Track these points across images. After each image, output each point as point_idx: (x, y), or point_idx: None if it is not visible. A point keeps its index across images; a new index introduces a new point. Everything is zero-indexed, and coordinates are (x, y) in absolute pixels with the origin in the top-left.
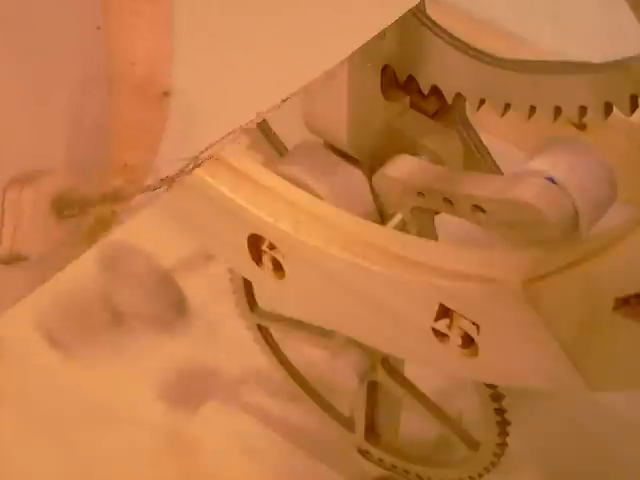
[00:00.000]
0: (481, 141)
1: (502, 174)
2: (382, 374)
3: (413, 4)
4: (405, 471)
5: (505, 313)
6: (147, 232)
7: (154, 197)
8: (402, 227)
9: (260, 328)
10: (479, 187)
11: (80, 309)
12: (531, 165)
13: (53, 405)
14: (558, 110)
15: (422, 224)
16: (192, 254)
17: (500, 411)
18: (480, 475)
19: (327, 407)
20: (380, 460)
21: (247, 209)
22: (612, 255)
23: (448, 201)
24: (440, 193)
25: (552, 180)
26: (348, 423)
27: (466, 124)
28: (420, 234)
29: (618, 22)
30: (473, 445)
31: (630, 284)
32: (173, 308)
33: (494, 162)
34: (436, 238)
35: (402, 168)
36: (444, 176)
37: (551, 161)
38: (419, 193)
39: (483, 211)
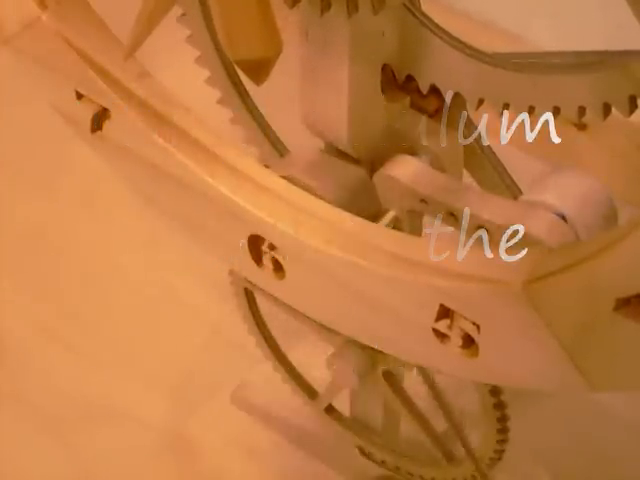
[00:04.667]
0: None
1: (505, 170)
2: (381, 382)
3: None
4: (408, 473)
5: (505, 313)
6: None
7: None
8: (395, 224)
9: (247, 293)
10: (487, 209)
11: (80, 307)
12: (542, 196)
13: (53, 405)
14: (557, 110)
15: (414, 224)
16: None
17: (500, 406)
18: (480, 473)
19: (295, 376)
20: (382, 462)
21: (247, 209)
22: (612, 256)
23: (453, 215)
24: (446, 207)
25: (563, 217)
26: (310, 390)
27: (468, 122)
28: (411, 232)
29: (618, 22)
30: (454, 462)
31: (631, 285)
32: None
33: (498, 160)
34: (421, 234)
35: (404, 170)
36: (451, 188)
37: (563, 196)
38: (422, 200)
39: (487, 231)
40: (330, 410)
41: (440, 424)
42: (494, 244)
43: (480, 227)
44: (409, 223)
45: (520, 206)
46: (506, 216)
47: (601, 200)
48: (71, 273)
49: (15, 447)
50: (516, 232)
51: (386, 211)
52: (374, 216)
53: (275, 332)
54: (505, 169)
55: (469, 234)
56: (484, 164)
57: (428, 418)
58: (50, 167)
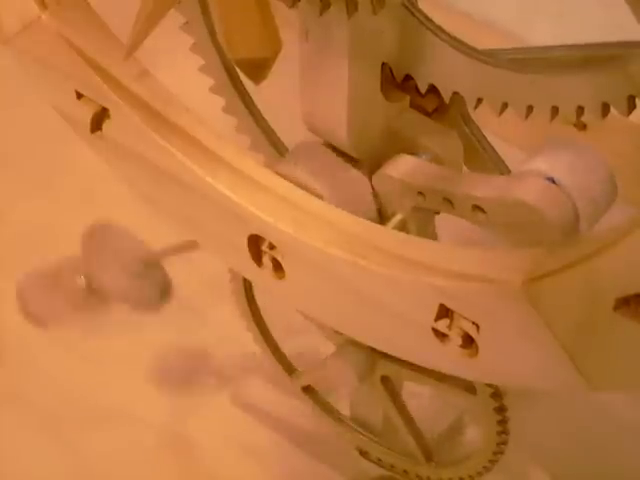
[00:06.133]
0: (484, 136)
1: (507, 169)
2: (379, 387)
3: None
4: (404, 471)
5: (505, 313)
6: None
7: None
8: (402, 227)
9: (245, 282)
10: (479, 187)
11: (79, 307)
12: (530, 165)
13: (53, 405)
14: (555, 110)
15: (422, 224)
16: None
17: (500, 410)
18: (480, 474)
19: (283, 361)
20: (379, 460)
21: (247, 209)
22: (612, 255)
23: (448, 201)
24: (440, 193)
25: (552, 180)
26: (289, 367)
27: (468, 120)
28: (420, 234)
29: (618, 22)
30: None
31: (630, 284)
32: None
33: (499, 157)
34: (436, 238)
35: (402, 168)
36: (444, 176)
37: (550, 161)
38: (419, 193)
39: (483, 211)
40: (308, 390)
41: (439, 426)
42: (493, 225)
43: (476, 207)
44: (416, 224)
45: (509, 178)
46: (497, 189)
47: (595, 164)
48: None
49: (15, 447)
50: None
51: (387, 211)
52: (374, 216)
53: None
54: (507, 167)
55: (467, 217)
56: (485, 162)
57: (427, 419)
58: (50, 167)
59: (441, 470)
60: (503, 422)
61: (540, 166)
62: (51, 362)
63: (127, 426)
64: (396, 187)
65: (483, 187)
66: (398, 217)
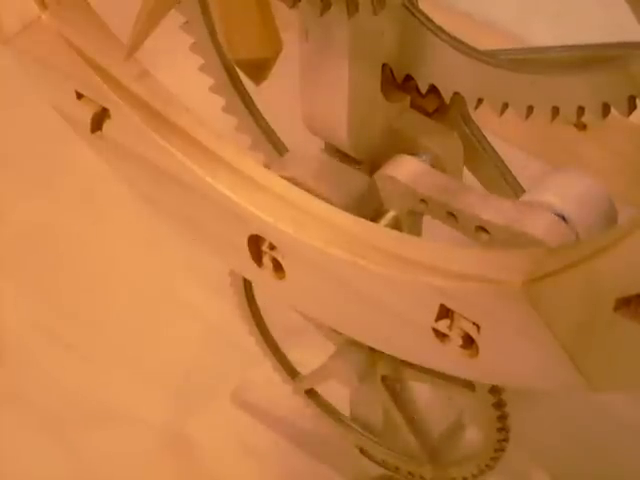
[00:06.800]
0: (484, 136)
1: (507, 168)
2: (380, 387)
3: None
4: (409, 472)
5: (505, 313)
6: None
7: None
8: (395, 224)
9: (246, 292)
10: (487, 210)
11: (80, 307)
12: (541, 197)
13: (52, 405)
14: (555, 110)
15: (412, 223)
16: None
17: (499, 405)
18: (482, 472)
19: (285, 364)
20: (384, 462)
21: (247, 209)
22: (613, 255)
23: (452, 216)
24: (445, 207)
25: (562, 217)
26: (292, 371)
27: (468, 120)
28: (409, 232)
29: (618, 22)
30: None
31: (631, 284)
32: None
33: (499, 157)
34: (420, 235)
35: (404, 170)
36: (452, 189)
37: (561, 195)
38: (422, 200)
39: (487, 232)
40: (311, 393)
41: (439, 426)
42: (494, 245)
43: (480, 228)
44: (408, 223)
45: (520, 207)
46: (506, 217)
47: (601, 201)
48: (71, 273)
49: (15, 447)
50: (516, 233)
51: (386, 211)
52: (374, 216)
53: (274, 331)
54: (507, 167)
55: (469, 234)
56: (485, 162)
57: (427, 419)
58: (50, 167)
59: (445, 470)
60: (503, 418)
61: (551, 201)
62: (51, 362)
63: (127, 426)
64: (398, 189)
65: (491, 210)
66: (391, 214)
